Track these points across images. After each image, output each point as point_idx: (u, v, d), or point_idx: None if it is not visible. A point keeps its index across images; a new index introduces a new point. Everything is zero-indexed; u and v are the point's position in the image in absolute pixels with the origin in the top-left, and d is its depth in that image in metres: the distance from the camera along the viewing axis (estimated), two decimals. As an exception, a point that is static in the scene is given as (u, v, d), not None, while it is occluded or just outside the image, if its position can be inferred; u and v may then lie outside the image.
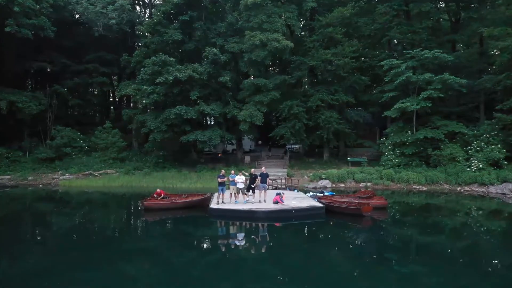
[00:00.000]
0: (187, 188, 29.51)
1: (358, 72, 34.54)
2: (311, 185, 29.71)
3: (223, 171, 19.07)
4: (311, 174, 32.90)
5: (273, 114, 35.15)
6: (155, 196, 21.08)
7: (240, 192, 18.67)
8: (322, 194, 22.97)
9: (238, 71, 36.79)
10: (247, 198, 18.87)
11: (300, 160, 37.78)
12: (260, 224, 16.78)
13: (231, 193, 18.93)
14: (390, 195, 25.70)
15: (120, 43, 41.55)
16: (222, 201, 18.72)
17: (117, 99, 44.64)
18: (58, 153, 36.83)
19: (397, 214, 19.54)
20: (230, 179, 18.80)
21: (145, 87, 32.53)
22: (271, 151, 42.74)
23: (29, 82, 44.02)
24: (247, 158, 36.88)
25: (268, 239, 14.89)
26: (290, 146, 44.08)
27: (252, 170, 19.15)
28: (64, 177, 33.95)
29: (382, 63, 31.55)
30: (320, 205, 18.13)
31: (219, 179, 18.75)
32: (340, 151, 38.98)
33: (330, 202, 19.27)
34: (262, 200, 19.08)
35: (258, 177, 18.96)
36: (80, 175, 34.27)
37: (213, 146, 34.22)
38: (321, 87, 33.67)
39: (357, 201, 19.31)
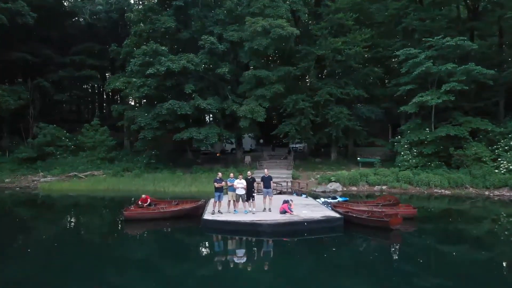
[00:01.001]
0: (180, 192, 26.33)
1: (370, 64, 31.30)
2: (319, 189, 26.52)
3: (220, 174, 15.87)
4: (318, 176, 29.71)
5: (278, 109, 31.80)
6: (140, 203, 17.92)
7: (240, 199, 15.47)
8: (336, 201, 19.80)
9: (237, 62, 33.61)
10: (249, 208, 15.68)
11: (305, 160, 34.58)
12: (264, 240, 13.60)
13: (229, 201, 15.76)
14: (409, 200, 22.51)
15: (109, 34, 38.29)
16: (218, 211, 15.55)
17: (106, 94, 41.27)
18: (41, 152, 33.64)
19: (428, 225, 16.30)
20: (229, 183, 15.64)
21: (134, 79, 29.33)
22: (273, 151, 39.51)
23: (9, 74, 40.48)
24: (248, 158, 33.69)
25: (274, 259, 11.77)
26: (293, 145, 40.89)
27: (249, 173, 15.99)
28: (46, 179, 30.75)
29: (397, 52, 28.36)
30: (337, 215, 14.94)
31: (215, 183, 15.57)
32: (349, 151, 35.77)
33: (348, 211, 16.08)
34: (267, 209, 15.92)
35: (257, 182, 15.84)
36: (63, 177, 31.08)
37: (210, 145, 31.07)
38: (329, 80, 30.49)
39: (380, 210, 16.14)
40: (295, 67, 29.88)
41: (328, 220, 14.49)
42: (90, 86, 38.93)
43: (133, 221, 15.73)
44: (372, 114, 30.97)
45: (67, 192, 26.92)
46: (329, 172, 30.44)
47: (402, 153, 28.68)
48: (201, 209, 16.99)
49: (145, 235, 14.71)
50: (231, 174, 16.02)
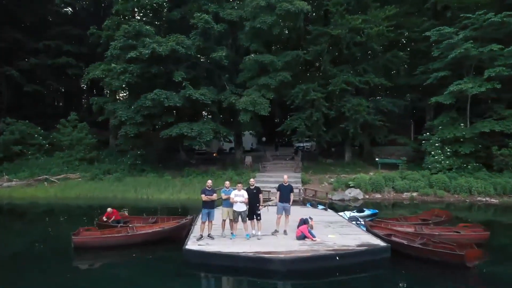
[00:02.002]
0: (167, 200, 21.69)
1: (393, 48, 26.57)
2: (336, 196, 21.85)
3: (209, 182, 11.13)
4: (332, 180, 25.06)
5: (283, 102, 27.14)
6: (105, 219, 13.24)
7: (240, 218, 10.78)
8: (365, 214, 15.15)
9: (237, 47, 28.98)
10: (253, 231, 11.02)
11: (314, 161, 29.88)
12: (278, 284, 8.92)
13: (224, 221, 11.08)
14: (449, 210, 17.73)
15: (90, 16, 33.52)
16: (208, 235, 10.88)
17: (87, 86, 36.32)
18: (7, 152, 28.94)
19: (505, 254, 11.58)
20: (223, 196, 10.96)
21: (113, 64, 24.65)
22: (278, 150, 34.81)
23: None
24: (248, 159, 28.98)
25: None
26: (299, 144, 36.19)
27: (252, 180, 11.33)
28: (10, 183, 26.03)
29: (428, 33, 23.69)
30: (382, 244, 10.22)
31: (203, 195, 10.85)
32: (365, 151, 31.06)
33: (391, 234, 11.41)
34: (281, 231, 11.26)
35: (261, 194, 11.22)
36: (31, 181, 26.36)
37: (205, 143, 26.41)
38: (346, 67, 25.75)
39: (438, 233, 11.46)
40: (305, 51, 25.15)
41: (369, 251, 9.78)
42: (68, 77, 34.00)
43: (87, 250, 11.00)
44: (395, 107, 26.21)
45: (29, 199, 22.24)
46: (344, 175, 25.80)
47: (432, 152, 24.01)
48: (186, 229, 12.32)
49: (96, 271, 9.96)
50: (227, 183, 11.27)
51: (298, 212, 13.69)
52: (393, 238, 11.18)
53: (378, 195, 22.11)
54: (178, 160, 31.08)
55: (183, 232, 12.17)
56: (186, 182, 24.53)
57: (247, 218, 10.81)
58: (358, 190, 22.06)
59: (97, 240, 11.17)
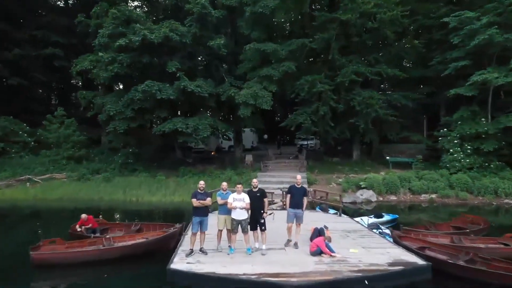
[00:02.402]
0: (159, 202, 19.58)
1: (406, 36, 24.39)
2: (347, 199, 19.67)
3: (202, 184, 8.94)
4: (340, 180, 22.95)
5: (284, 96, 25.00)
6: (78, 227, 11.10)
7: (240, 228, 8.61)
8: (388, 221, 13.05)
9: (236, 36, 26.85)
10: (256, 245, 8.87)
11: (320, 160, 27.71)
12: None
13: (220, 231, 8.93)
14: (474, 214, 15.56)
15: (79, 4, 31.29)
16: (200, 249, 8.71)
17: (79, 80, 34.05)
18: (-12, 150, 26.80)
19: None
20: (219, 200, 8.82)
21: (101, 53, 22.50)
22: (280, 149, 32.65)
23: None
24: (249, 158, 26.83)
25: None
26: (303, 142, 34.02)
27: (255, 181, 9.14)
28: (-11, 184, 23.89)
29: (447, 19, 21.53)
30: (421, 261, 8.04)
31: (194, 200, 8.66)
32: (374, 149, 28.89)
33: (426, 247, 9.28)
34: (291, 244, 9.14)
35: (267, 199, 9.09)
36: (12, 181, 24.20)
37: (201, 140, 24.28)
38: (355, 57, 23.55)
39: (483, 246, 9.33)
40: (311, 39, 22.98)
41: (407, 272, 7.61)
42: (57, 70, 31.72)
43: (50, 268, 8.84)
44: (410, 101, 24.03)
45: (6, 202, 20.06)
46: (352, 175, 23.69)
47: (451, 150, 21.85)
48: (175, 239, 10.18)
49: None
50: (223, 184, 9.08)
51: (306, 218, 11.51)
52: (429, 253, 9.05)
53: (393, 197, 19.96)
54: (173, 159, 28.99)
55: (171, 243, 10.04)
56: (181, 182, 22.40)
57: (249, 228, 8.66)
58: (370, 192, 19.92)
59: (62, 256, 9.01)
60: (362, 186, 20.74)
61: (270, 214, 8.89)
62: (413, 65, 25.09)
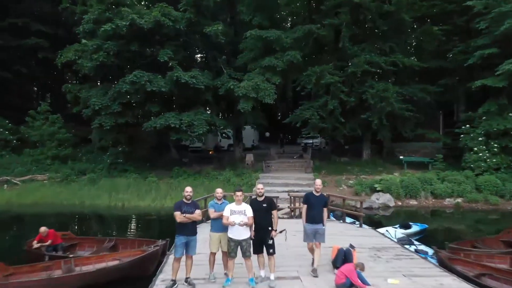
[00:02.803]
0: (147, 207, 17.31)
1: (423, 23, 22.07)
2: (355, 202, 17.32)
3: (188, 191, 6.55)
4: (351, 182, 20.71)
5: (294, 87, 22.71)
6: (36, 244, 8.82)
7: (239, 250, 6.28)
8: (417, 232, 10.77)
9: (236, 24, 24.57)
10: (261, 273, 6.54)
11: (326, 160, 25.45)
12: None
13: (212, 254, 6.60)
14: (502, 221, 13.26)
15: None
16: (186, 280, 6.37)
17: (64, 72, 31.64)
18: (-37, 149, 24.49)
19: None
20: (212, 213, 6.51)
21: (84, 40, 20.24)
22: (283, 148, 30.38)
23: None
24: (250, 157, 24.53)
25: None
26: (307, 141, 31.67)
27: (260, 187, 6.65)
28: (-38, 186, 21.61)
29: (470, 2, 19.27)
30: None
31: (177, 213, 6.28)
32: (385, 147, 26.60)
33: (485, 274, 6.99)
34: (308, 273, 6.81)
35: (276, 210, 6.77)
36: (-12, 183, 21.94)
37: (197, 138, 22.00)
38: (367, 45, 21.25)
39: None
40: (318, 26, 20.68)
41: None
42: (43, 62, 29.31)
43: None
44: (427, 94, 21.72)
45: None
46: (363, 176, 21.50)
47: (475, 149, 19.59)
48: (156, 260, 7.88)
49: None
50: (218, 191, 6.72)
51: (333, 233, 9.25)
52: (491, 282, 6.77)
53: (413, 202, 17.67)
54: (168, 159, 26.75)
55: (151, 266, 7.76)
56: (174, 185, 20.11)
57: (252, 252, 6.36)
58: (388, 196, 17.62)
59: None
60: (377, 189, 18.46)
61: (281, 232, 6.60)
62: (431, 55, 22.72)
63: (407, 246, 9.18)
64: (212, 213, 6.52)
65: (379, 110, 20.29)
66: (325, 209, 7.11)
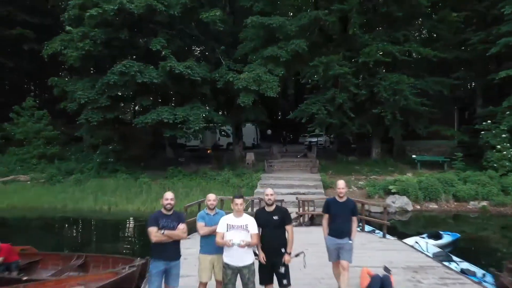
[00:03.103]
0: (135, 212, 15.56)
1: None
2: (376, 207, 15.51)
3: (168, 198, 4.76)
4: (361, 183, 18.97)
5: (297, 80, 20.96)
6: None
7: (241, 280, 4.50)
8: (449, 243, 9.01)
9: (235, 13, 22.84)
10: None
11: (332, 159, 23.69)
12: None
13: (202, 285, 4.81)
14: None
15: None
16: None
17: (51, 65, 29.53)
18: None
19: None
20: (201, 228, 4.72)
21: (69, 27, 18.48)
22: (286, 146, 28.62)
23: None
24: (250, 156, 22.74)
25: None
26: (311, 139, 29.89)
27: (269, 192, 4.76)
28: None
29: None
30: None
31: (152, 230, 4.49)
32: (395, 146, 24.82)
33: None
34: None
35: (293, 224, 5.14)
36: (-34, 185, 20.16)
37: (193, 135, 20.23)
38: (379, 33, 19.45)
39: None
40: (326, 11, 18.88)
41: None
42: (31, 55, 27.43)
43: None
44: (445, 87, 19.92)
45: None
46: (374, 176, 19.72)
47: (498, 146, 17.81)
48: (131, 284, 6.10)
49: None
50: (210, 198, 4.94)
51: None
52: None
53: (433, 205, 15.86)
54: (163, 158, 25.02)
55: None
56: (167, 186, 18.31)
57: (256, 282, 4.57)
58: (405, 199, 15.79)
59: None
60: (392, 190, 16.66)
61: (297, 255, 4.81)
62: (447, 45, 20.90)
63: (446, 263, 7.40)
64: (202, 228, 4.74)
65: (393, 104, 18.49)
66: (353, 218, 5.40)
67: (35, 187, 18.88)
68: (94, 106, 18.46)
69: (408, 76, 19.13)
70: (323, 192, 16.75)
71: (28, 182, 20.42)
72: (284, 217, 4.67)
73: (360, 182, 19.21)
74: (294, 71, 20.07)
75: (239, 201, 4.53)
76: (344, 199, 5.47)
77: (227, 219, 4.56)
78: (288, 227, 4.67)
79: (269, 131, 29.94)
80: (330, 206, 5.45)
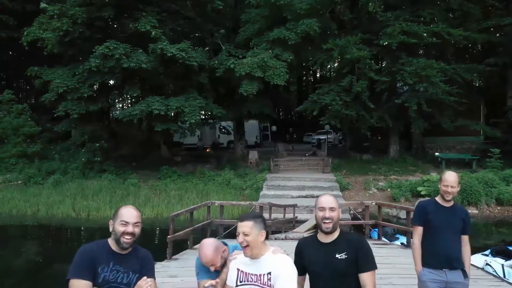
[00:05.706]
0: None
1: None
2: (403, 213, 13.05)
3: (130, 220, 2.14)
4: (381, 184, 16.61)
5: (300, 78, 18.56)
6: None
7: None
8: None
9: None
10: None
11: (345, 157, 21.28)
12: None
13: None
14: None
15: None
16: None
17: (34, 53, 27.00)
18: None
19: None
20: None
21: (44, 4, 16.06)
22: (292, 144, 26.21)
23: None
24: (253, 155, 20.29)
25: None
26: (320, 136, 27.46)
27: (326, 204, 2.26)
28: None
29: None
30: None
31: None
32: (414, 142, 22.44)
33: None
34: None
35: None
36: None
37: (189, 130, 17.80)
38: (402, 12, 17.00)
39: None
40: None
41: None
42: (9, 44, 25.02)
43: None
44: (476, 76, 17.52)
45: None
46: (394, 176, 17.40)
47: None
48: None
49: None
50: (207, 255, 2.23)
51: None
52: None
53: (472, 210, 13.37)
54: (158, 157, 22.61)
55: None
56: (158, 188, 15.89)
57: None
58: (439, 202, 13.32)
59: None
60: (422, 193, 14.22)
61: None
62: (476, 28, 18.45)
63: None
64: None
65: (419, 93, 16.04)
66: (464, 238, 3.04)
67: (6, 190, 16.34)
68: (74, 96, 16.00)
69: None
70: (341, 194, 14.32)
71: (3, 183, 17.92)
72: (359, 256, 2.19)
73: (380, 183, 16.83)
74: (305, 56, 17.57)
75: (246, 227, 2.07)
76: (452, 203, 3.03)
77: (238, 263, 2.12)
78: (366, 277, 2.19)
79: (274, 127, 27.58)
80: (428, 212, 3.03)
